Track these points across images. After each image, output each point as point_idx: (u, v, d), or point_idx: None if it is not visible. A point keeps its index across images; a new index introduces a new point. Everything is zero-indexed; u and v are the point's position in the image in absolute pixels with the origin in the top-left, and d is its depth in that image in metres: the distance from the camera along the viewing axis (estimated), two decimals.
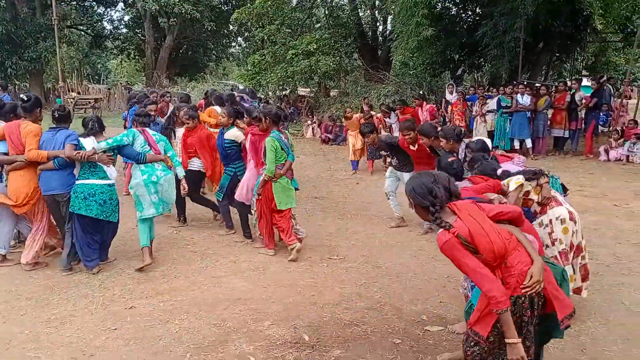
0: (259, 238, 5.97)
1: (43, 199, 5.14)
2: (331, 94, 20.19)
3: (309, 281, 4.96)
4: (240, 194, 5.97)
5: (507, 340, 2.58)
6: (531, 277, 2.62)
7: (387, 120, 12.04)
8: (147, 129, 5.45)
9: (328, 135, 15.09)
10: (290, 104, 18.93)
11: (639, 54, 18.87)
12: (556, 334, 2.91)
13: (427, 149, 6.09)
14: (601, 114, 12.38)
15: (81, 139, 5.01)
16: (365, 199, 7.77)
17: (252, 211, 5.92)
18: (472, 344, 2.82)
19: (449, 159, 4.22)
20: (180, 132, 6.76)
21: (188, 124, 6.46)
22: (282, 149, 5.50)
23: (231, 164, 6.27)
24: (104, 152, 5.03)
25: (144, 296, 4.60)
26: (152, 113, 6.70)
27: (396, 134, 11.28)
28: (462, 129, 5.84)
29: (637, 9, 17.30)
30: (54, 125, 5.12)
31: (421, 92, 15.02)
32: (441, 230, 2.65)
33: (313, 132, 16.24)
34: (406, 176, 6.48)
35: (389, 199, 6.87)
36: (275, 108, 6.02)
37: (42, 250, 5.39)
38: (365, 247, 5.97)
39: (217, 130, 6.68)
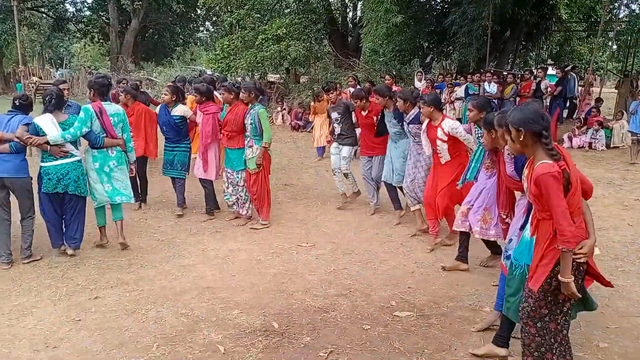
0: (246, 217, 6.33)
1: None
2: (301, 80, 20.07)
3: (278, 269, 4.94)
4: (208, 171, 6.34)
5: (561, 279, 2.71)
6: (582, 247, 2.73)
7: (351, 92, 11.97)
8: (106, 106, 5.16)
9: (298, 122, 15.02)
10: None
11: (602, 44, 19.37)
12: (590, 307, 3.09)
13: (374, 118, 6.45)
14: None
15: (38, 120, 4.78)
16: (335, 186, 7.76)
17: (238, 189, 6.26)
18: (524, 299, 2.92)
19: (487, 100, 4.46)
20: None
21: (121, 96, 6.64)
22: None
23: (183, 139, 6.49)
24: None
25: (109, 286, 4.50)
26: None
27: None
28: (419, 92, 6.33)
29: None
30: (11, 109, 4.93)
31: (394, 72, 15.04)
32: (545, 162, 2.71)
33: (283, 119, 16.12)
34: (345, 150, 6.91)
35: (334, 175, 7.13)
36: (255, 82, 6.30)
37: None
38: (335, 234, 5.98)
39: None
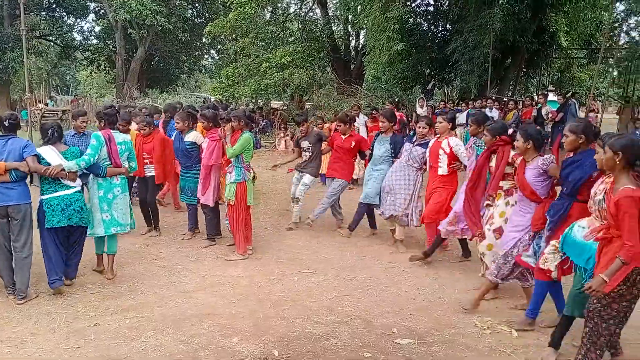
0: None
1: None
2: (305, 106, 20.25)
3: (279, 295, 4.91)
4: (205, 195, 6.27)
5: (602, 276, 3.10)
6: None
7: (356, 119, 12.03)
8: (114, 135, 5.22)
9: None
10: (264, 116, 18.93)
11: (603, 70, 19.54)
12: None
13: (353, 142, 6.87)
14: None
15: (40, 151, 4.73)
16: (329, 213, 7.75)
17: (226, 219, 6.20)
18: (596, 300, 3.25)
19: (537, 127, 4.74)
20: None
21: (144, 130, 6.80)
22: (253, 148, 5.96)
23: (194, 166, 6.48)
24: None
25: (108, 313, 4.48)
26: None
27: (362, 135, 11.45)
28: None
29: (600, 26, 17.94)
30: (2, 134, 4.75)
31: (396, 99, 15.20)
32: (629, 186, 3.07)
33: (286, 144, 16.20)
34: (306, 178, 7.12)
35: (297, 203, 7.23)
36: (244, 110, 6.25)
37: None
38: (336, 261, 5.95)
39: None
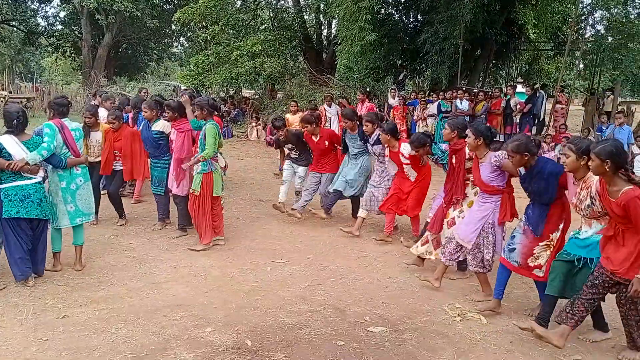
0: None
1: None
2: (277, 96, 20.12)
3: (252, 285, 4.90)
4: (179, 186, 6.15)
5: (639, 275, 3.27)
6: None
7: (328, 109, 12.10)
8: (66, 123, 5.07)
9: (273, 137, 15.00)
10: (235, 105, 18.74)
11: (569, 62, 19.94)
12: None
13: (327, 142, 6.87)
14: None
15: (1, 140, 4.56)
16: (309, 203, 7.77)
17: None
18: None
19: (486, 124, 4.89)
20: (97, 134, 6.65)
21: (113, 124, 6.62)
22: (219, 137, 5.83)
23: (162, 156, 6.40)
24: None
25: (77, 305, 4.39)
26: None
27: (334, 125, 11.47)
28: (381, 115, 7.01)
29: (567, 19, 18.28)
30: None
31: (367, 89, 15.25)
32: (629, 187, 3.22)
33: (258, 134, 16.12)
34: (301, 170, 7.30)
35: (282, 185, 7.37)
36: (208, 99, 6.17)
37: None
38: (309, 250, 5.97)
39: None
